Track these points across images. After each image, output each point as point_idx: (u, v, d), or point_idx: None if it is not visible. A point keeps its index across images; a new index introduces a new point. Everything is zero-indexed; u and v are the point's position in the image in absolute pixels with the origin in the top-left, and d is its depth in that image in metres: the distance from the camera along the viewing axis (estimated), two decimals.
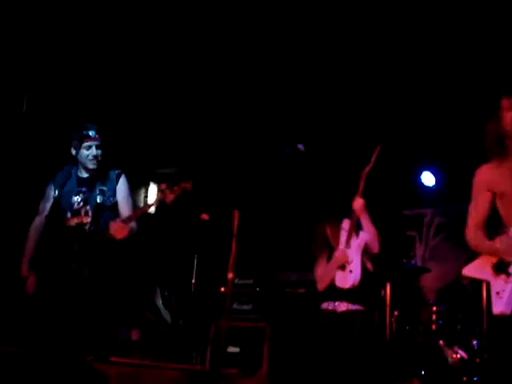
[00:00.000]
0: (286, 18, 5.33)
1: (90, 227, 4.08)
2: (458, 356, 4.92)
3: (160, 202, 4.10)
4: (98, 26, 5.37)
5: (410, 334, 5.38)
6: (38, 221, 4.27)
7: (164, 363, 3.89)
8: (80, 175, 4.28)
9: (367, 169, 4.34)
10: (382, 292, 5.59)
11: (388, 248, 6.30)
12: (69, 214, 4.15)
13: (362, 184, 4.33)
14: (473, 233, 3.43)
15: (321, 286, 4.42)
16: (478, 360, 4.79)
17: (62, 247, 4.07)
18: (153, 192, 7.00)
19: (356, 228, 4.38)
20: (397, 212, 6.79)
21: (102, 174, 4.27)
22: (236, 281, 5.42)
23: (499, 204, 3.34)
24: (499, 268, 3.23)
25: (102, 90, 6.02)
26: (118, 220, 4.06)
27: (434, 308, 5.27)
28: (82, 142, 4.17)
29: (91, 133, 4.22)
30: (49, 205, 4.25)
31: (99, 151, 4.21)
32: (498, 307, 3.18)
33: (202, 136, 6.49)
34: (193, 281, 6.25)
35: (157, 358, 5.55)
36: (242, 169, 6.39)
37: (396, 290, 5.66)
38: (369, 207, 4.42)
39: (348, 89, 6.02)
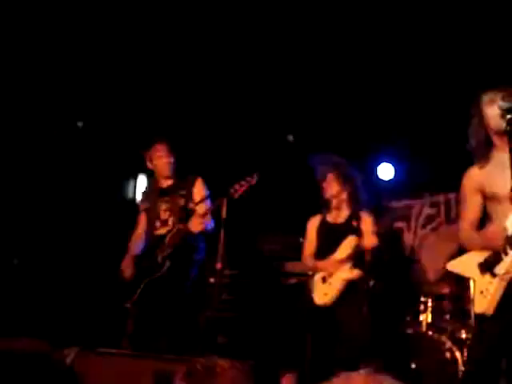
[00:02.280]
0: (272, 16, 5.33)
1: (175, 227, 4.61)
2: (447, 347, 4.95)
3: (229, 197, 4.33)
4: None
5: (399, 326, 5.41)
6: (135, 232, 4.96)
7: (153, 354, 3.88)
8: (160, 186, 4.87)
9: None
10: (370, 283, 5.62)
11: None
12: (158, 223, 4.75)
13: None
14: (467, 233, 3.40)
15: None
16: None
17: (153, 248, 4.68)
18: (142, 183, 6.97)
19: None
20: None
21: (179, 180, 4.82)
22: (226, 272, 5.41)
23: (490, 206, 3.31)
24: (485, 267, 3.19)
25: (88, 80, 5.99)
26: (195, 216, 4.48)
27: (422, 299, 5.29)
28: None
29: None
30: (140, 217, 4.96)
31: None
32: (480, 307, 3.16)
33: (193, 127, 6.46)
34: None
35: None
36: (232, 158, 6.40)
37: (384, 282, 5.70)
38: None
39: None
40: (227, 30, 5.55)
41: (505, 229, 3.13)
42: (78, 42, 5.58)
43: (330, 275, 4.62)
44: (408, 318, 5.38)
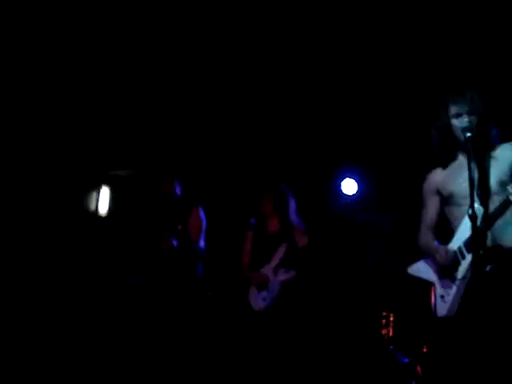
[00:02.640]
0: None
1: None
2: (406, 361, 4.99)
3: None
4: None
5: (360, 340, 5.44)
6: None
7: None
8: None
9: None
10: None
11: (339, 256, 6.41)
12: None
13: None
14: (423, 236, 3.48)
15: None
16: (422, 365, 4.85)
17: None
18: (105, 195, 6.89)
19: None
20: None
21: None
22: None
23: (447, 208, 3.37)
24: (444, 273, 3.25)
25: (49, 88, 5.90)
26: None
27: (384, 313, 5.34)
28: None
29: None
30: None
31: None
32: (441, 311, 3.21)
33: (157, 137, 6.42)
34: None
35: None
36: (197, 170, 6.37)
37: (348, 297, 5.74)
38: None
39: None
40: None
41: (452, 251, 3.20)
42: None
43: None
44: (369, 332, 5.42)
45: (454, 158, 3.36)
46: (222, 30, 5.14)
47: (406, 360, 4.98)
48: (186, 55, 5.43)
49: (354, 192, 6.80)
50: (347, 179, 6.82)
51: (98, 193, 7.03)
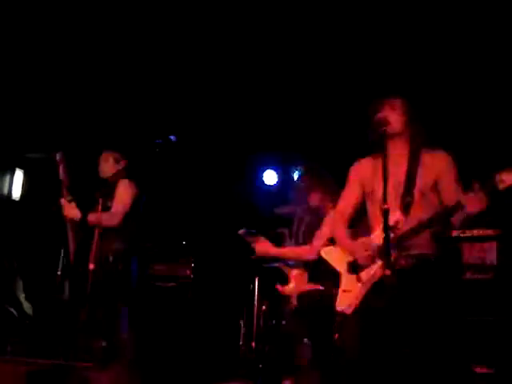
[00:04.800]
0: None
1: None
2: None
3: None
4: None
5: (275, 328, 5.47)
6: None
7: (17, 357, 3.69)
8: None
9: None
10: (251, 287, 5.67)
11: None
12: None
13: None
14: (336, 221, 3.45)
15: None
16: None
17: None
18: (19, 178, 6.64)
19: None
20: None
21: None
22: None
23: (368, 203, 3.36)
24: (353, 268, 3.26)
25: None
26: None
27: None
28: None
29: None
30: None
31: None
32: (341, 305, 3.24)
33: (73, 119, 6.23)
34: (58, 272, 6.03)
35: (16, 352, 5.28)
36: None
37: (264, 285, 5.75)
38: None
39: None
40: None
41: (370, 243, 3.19)
42: None
43: None
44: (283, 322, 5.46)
45: (380, 156, 3.18)
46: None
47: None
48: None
49: (275, 182, 6.83)
50: (268, 170, 6.82)
51: (12, 176, 6.78)
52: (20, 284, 6.32)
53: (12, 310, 5.89)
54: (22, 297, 6.21)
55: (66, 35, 5.35)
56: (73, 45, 5.45)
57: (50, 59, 5.64)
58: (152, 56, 5.64)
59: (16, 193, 6.68)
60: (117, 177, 4.69)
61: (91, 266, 3.79)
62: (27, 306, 6.15)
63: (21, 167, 6.46)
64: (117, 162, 4.79)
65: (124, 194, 4.60)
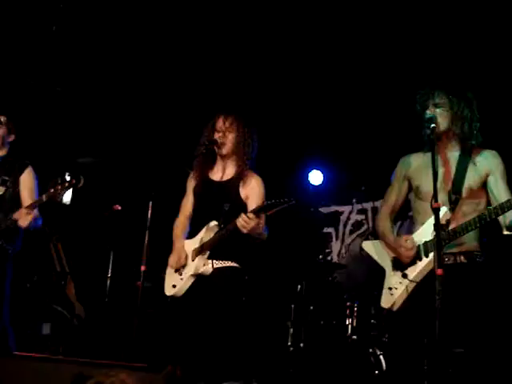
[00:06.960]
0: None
1: None
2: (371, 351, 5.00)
3: (51, 198, 4.03)
4: None
5: (323, 329, 5.45)
6: None
7: (72, 358, 3.77)
8: None
9: None
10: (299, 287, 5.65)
11: (304, 245, 6.41)
12: None
13: None
14: (383, 220, 3.40)
15: None
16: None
17: None
18: None
19: None
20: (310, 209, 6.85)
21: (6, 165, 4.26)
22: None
23: (413, 198, 3.32)
24: (397, 265, 3.21)
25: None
26: (22, 208, 4.09)
27: (348, 303, 5.35)
28: None
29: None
30: None
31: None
32: (386, 302, 3.20)
33: (118, 127, 6.33)
34: (108, 275, 6.14)
35: (68, 352, 5.39)
36: (158, 161, 6.30)
37: (311, 285, 5.73)
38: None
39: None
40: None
41: (414, 239, 3.15)
42: None
43: None
44: (334, 322, 5.44)
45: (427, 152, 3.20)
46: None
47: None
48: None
49: (320, 182, 6.82)
50: (314, 170, 6.82)
51: None
52: (71, 285, 6.46)
53: (64, 311, 6.01)
54: (73, 299, 6.35)
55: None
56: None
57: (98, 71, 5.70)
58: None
59: (66, 197, 6.82)
60: None
61: (143, 268, 3.86)
62: (79, 308, 6.28)
63: (70, 172, 6.60)
64: None
65: None
